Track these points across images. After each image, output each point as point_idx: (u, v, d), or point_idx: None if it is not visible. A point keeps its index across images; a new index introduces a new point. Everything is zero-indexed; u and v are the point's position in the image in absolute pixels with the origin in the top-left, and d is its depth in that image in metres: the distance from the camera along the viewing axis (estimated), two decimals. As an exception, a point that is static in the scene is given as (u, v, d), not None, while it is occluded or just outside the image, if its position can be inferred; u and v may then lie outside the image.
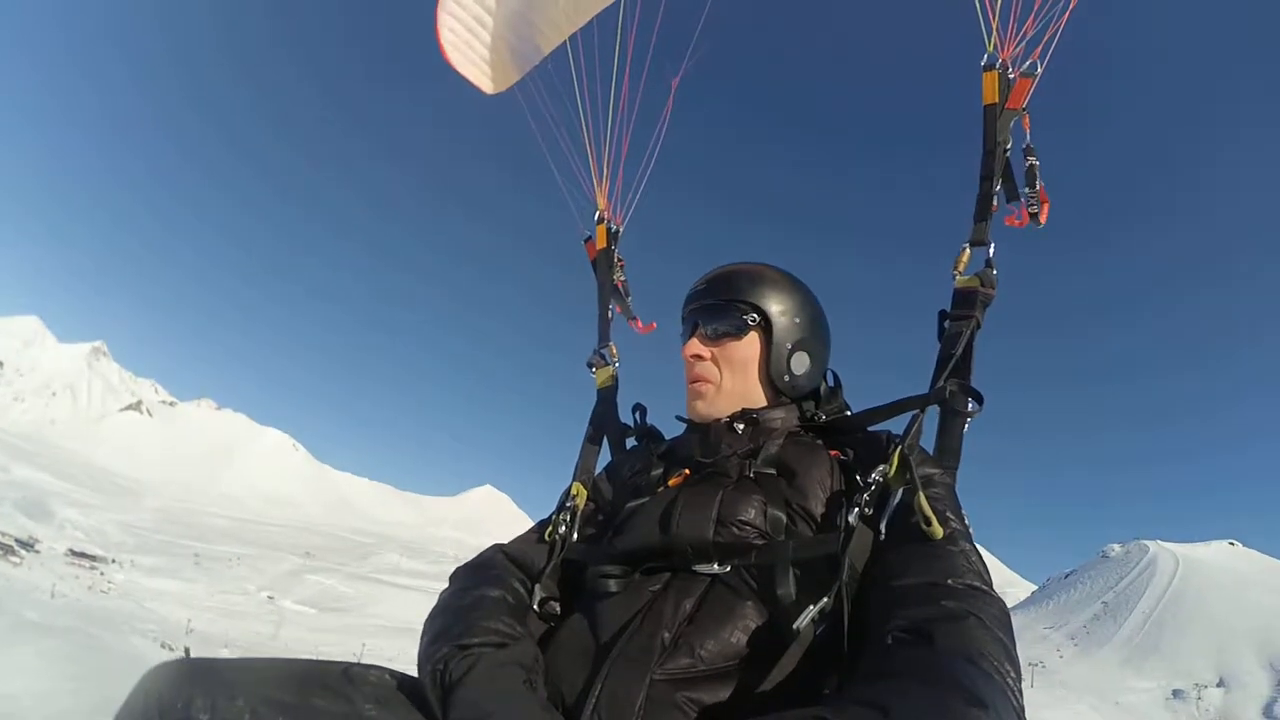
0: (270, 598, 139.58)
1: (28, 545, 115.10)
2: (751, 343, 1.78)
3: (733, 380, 1.78)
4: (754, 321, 1.77)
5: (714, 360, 1.79)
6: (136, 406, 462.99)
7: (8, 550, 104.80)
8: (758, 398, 1.79)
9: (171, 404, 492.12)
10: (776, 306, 1.78)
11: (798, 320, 1.79)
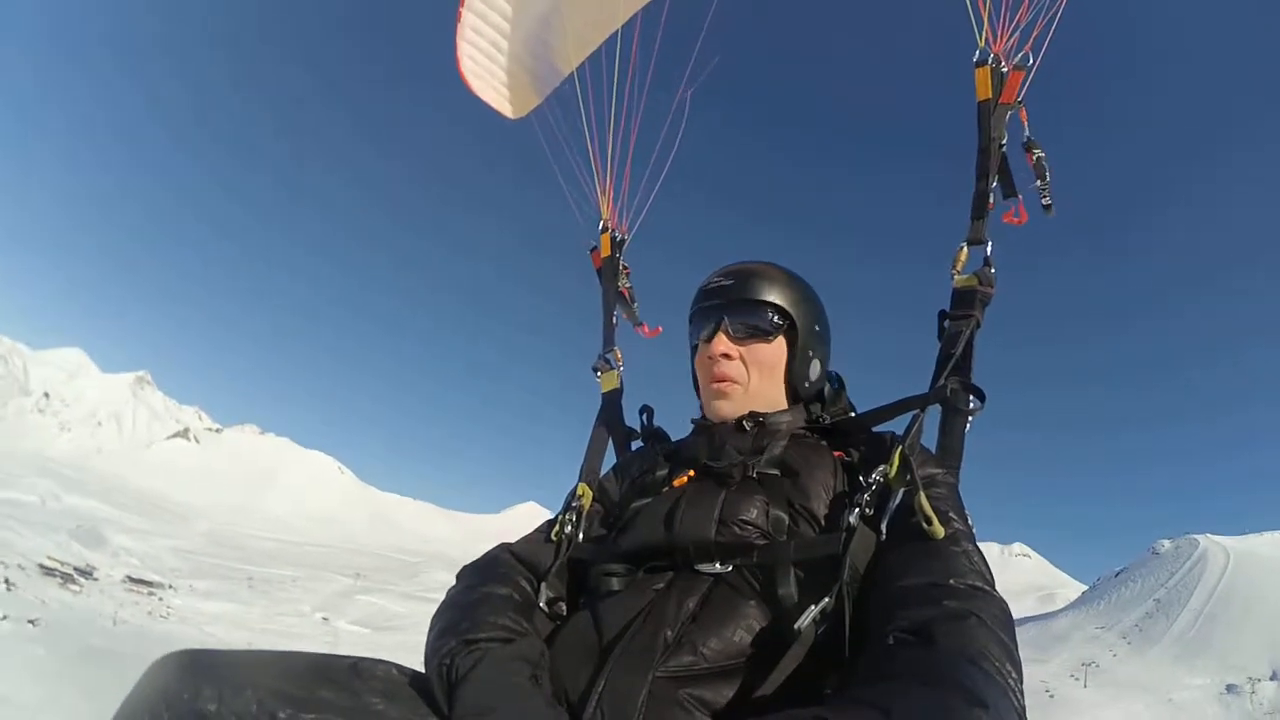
0: (325, 619, 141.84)
1: (86, 573, 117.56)
2: (779, 346, 1.79)
3: (760, 383, 1.79)
4: (781, 325, 1.78)
5: (742, 361, 1.79)
6: (184, 434, 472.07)
7: (67, 579, 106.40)
8: (779, 401, 1.81)
9: (217, 430, 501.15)
10: (800, 311, 1.79)
11: (817, 328, 1.82)
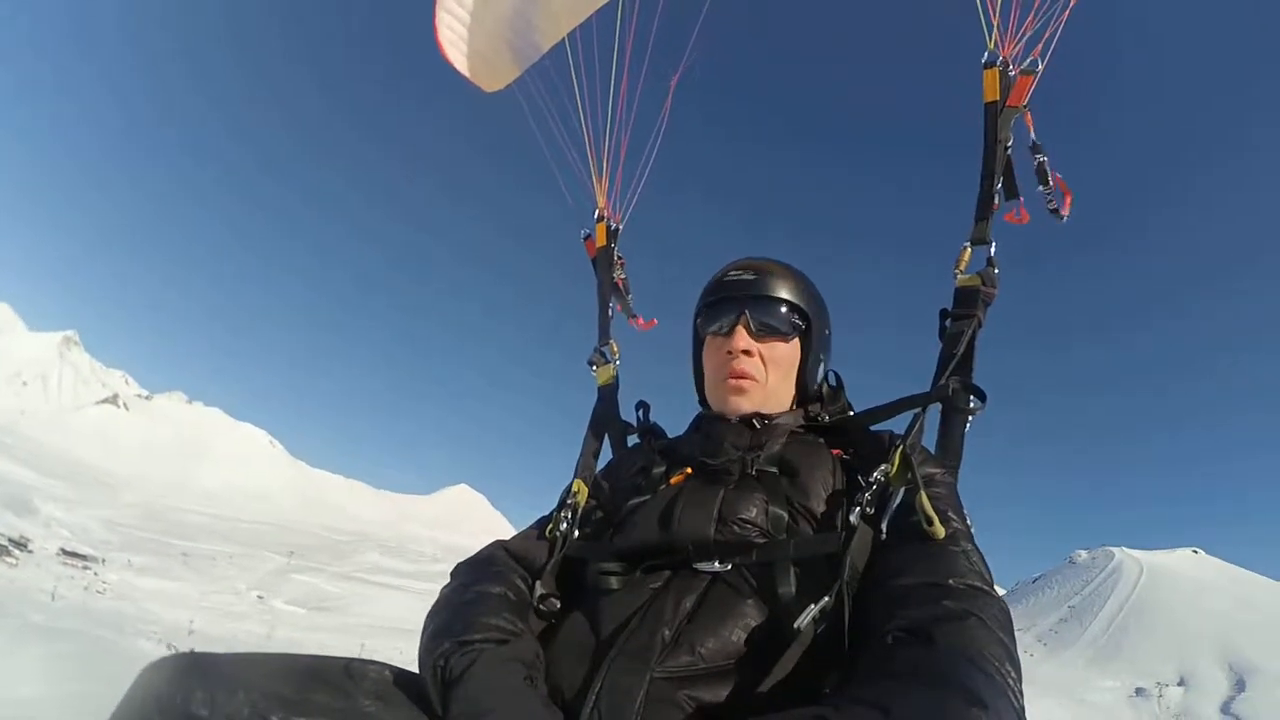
0: (260, 597, 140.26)
1: (21, 545, 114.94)
2: (795, 348, 1.80)
3: (776, 382, 1.79)
4: (800, 325, 1.80)
5: (760, 358, 1.78)
6: (113, 400, 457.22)
7: (3, 551, 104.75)
8: (787, 399, 1.82)
9: (147, 398, 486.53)
10: (816, 315, 1.81)
11: (827, 331, 1.84)
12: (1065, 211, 1.89)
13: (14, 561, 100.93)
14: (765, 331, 1.78)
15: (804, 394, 1.82)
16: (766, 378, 1.77)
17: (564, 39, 2.53)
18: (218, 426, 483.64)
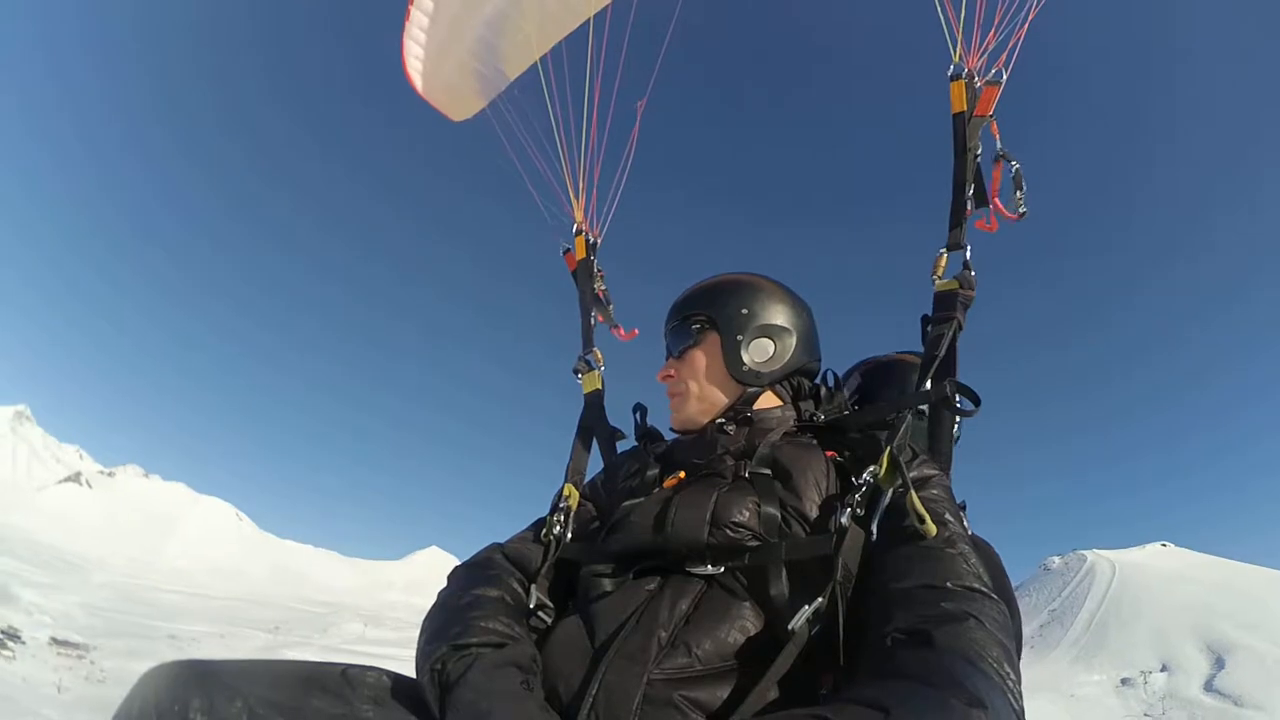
0: None
1: (13, 636, 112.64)
2: (707, 346, 1.85)
3: (698, 385, 1.84)
4: (703, 327, 1.85)
5: (680, 374, 1.87)
6: (75, 478, 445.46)
7: None
8: (721, 393, 1.84)
9: (110, 474, 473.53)
10: (724, 307, 1.84)
11: (745, 311, 1.83)
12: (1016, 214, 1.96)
13: (10, 655, 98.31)
14: (679, 349, 1.88)
15: (737, 377, 1.83)
16: (689, 386, 1.85)
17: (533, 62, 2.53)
18: (181, 501, 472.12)
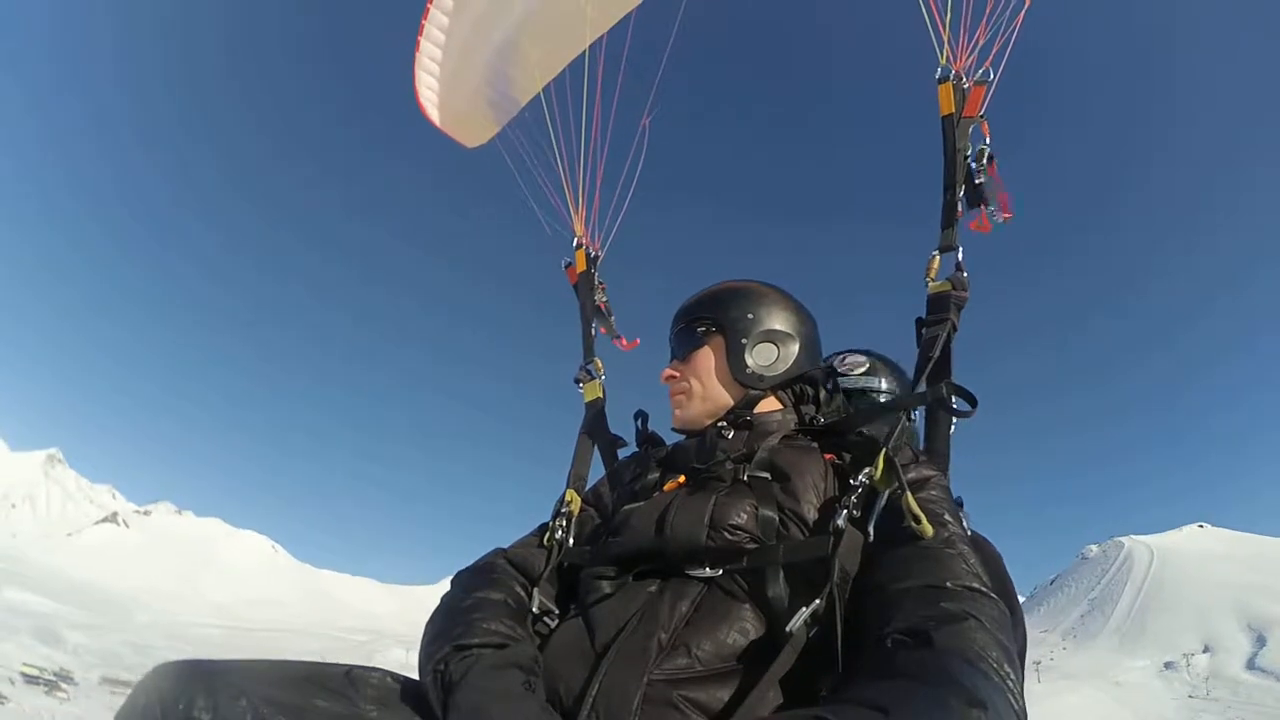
0: None
1: (66, 678, 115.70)
2: (712, 349, 1.87)
3: (701, 385, 1.86)
4: (708, 330, 1.88)
5: (684, 375, 1.89)
6: (112, 518, 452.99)
7: (52, 686, 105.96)
8: (725, 395, 1.86)
9: (145, 513, 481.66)
10: (729, 311, 1.87)
11: (751, 316, 1.85)
12: (1007, 215, 1.97)
13: (65, 696, 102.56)
14: (683, 351, 1.92)
15: (741, 380, 1.85)
16: (692, 386, 1.88)
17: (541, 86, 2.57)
18: (217, 536, 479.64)
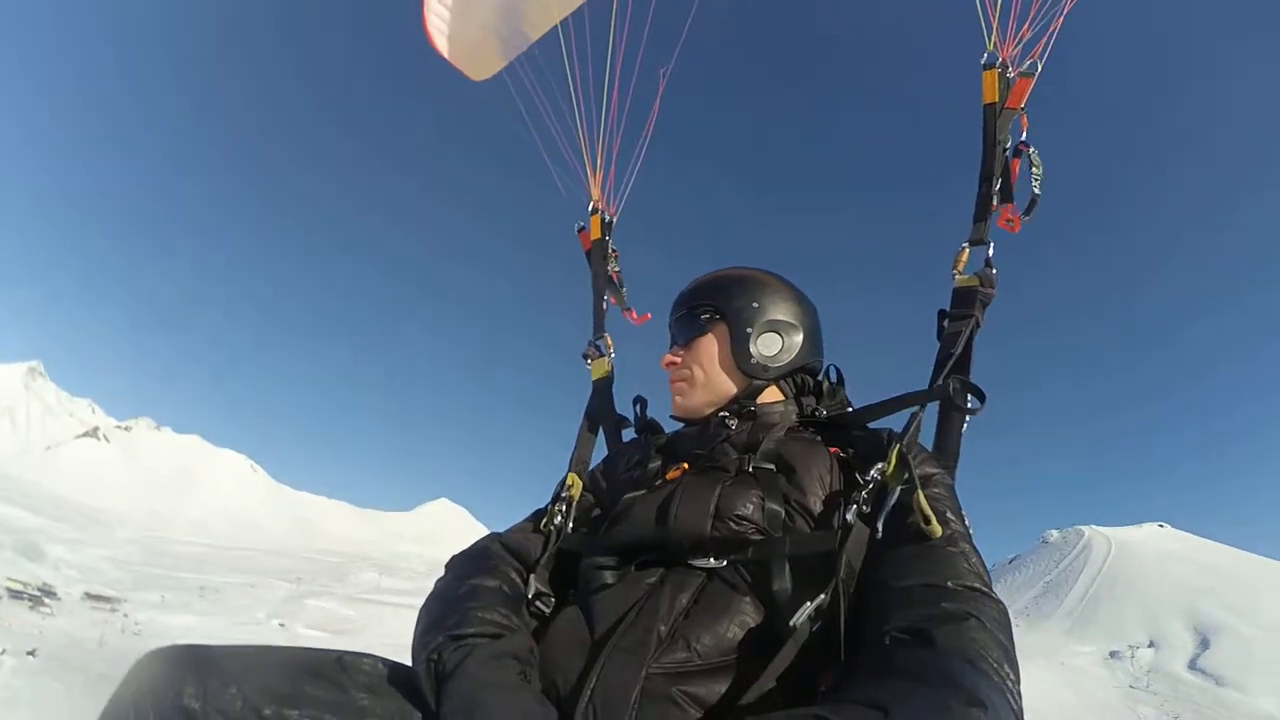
0: (282, 625, 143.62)
1: (49, 593, 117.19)
2: (715, 336, 1.83)
3: (703, 373, 1.83)
4: (712, 317, 1.84)
5: (685, 361, 1.85)
6: (93, 433, 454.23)
7: (36, 601, 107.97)
8: (729, 383, 1.83)
9: (126, 429, 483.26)
10: (733, 299, 1.83)
11: (756, 304, 1.82)
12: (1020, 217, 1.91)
13: (49, 611, 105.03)
14: (685, 337, 1.87)
15: (744, 369, 1.81)
16: (694, 373, 1.84)
17: (557, 29, 2.51)
18: (198, 455, 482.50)
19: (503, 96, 2.66)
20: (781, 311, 1.84)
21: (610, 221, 2.46)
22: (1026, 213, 1.90)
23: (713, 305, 1.85)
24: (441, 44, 2.69)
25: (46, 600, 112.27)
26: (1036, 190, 1.89)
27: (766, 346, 1.81)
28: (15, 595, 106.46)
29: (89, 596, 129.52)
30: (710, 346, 1.84)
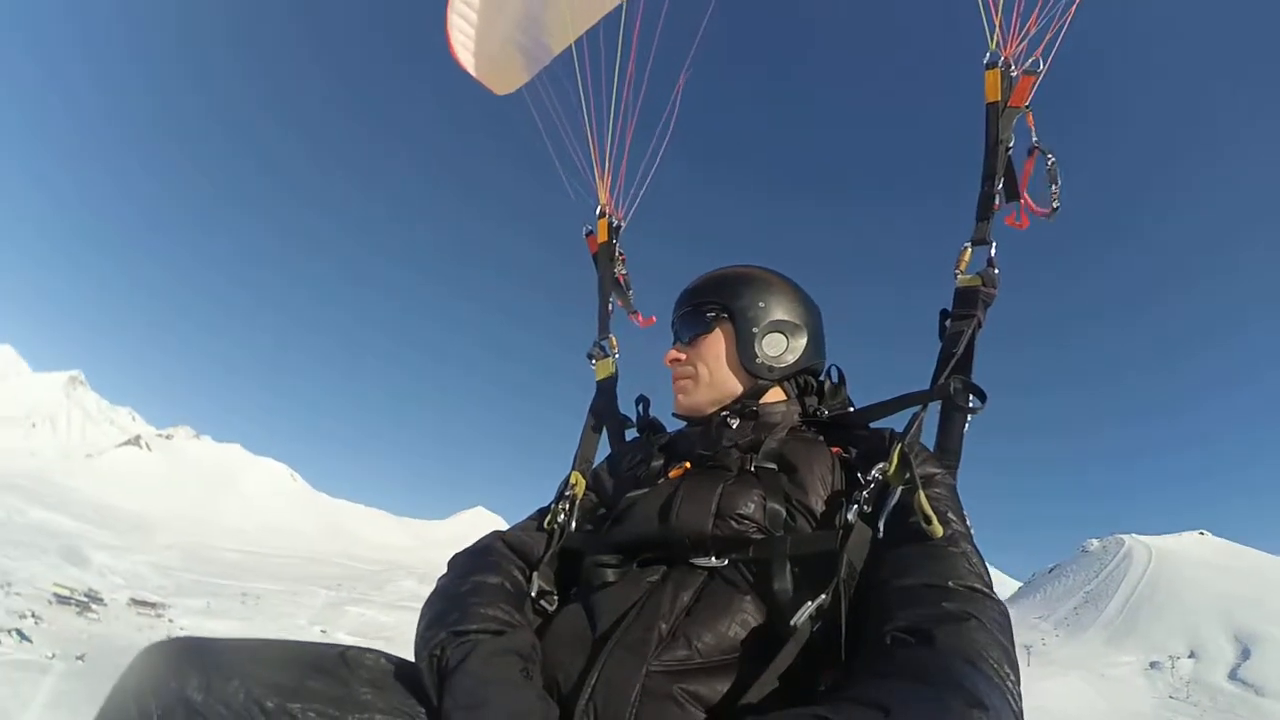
0: (323, 631, 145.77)
1: (95, 599, 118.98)
2: (721, 335, 1.83)
3: (708, 371, 1.82)
4: (718, 315, 1.83)
5: (690, 359, 1.85)
6: (135, 441, 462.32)
7: (83, 607, 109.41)
8: (734, 383, 1.82)
9: (167, 437, 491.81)
10: (739, 298, 1.82)
11: (762, 304, 1.82)
12: (1052, 209, 1.90)
13: (95, 616, 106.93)
14: (690, 335, 1.86)
15: (750, 369, 1.81)
16: (699, 371, 1.83)
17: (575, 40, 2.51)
18: (238, 462, 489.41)
19: (515, 100, 2.71)
20: (787, 312, 1.84)
21: (618, 226, 2.48)
22: (1049, 217, 1.89)
23: (719, 303, 1.84)
24: (467, 60, 2.70)
25: (93, 606, 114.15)
26: (1055, 205, 1.88)
27: (772, 347, 1.81)
28: (63, 600, 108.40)
29: (134, 602, 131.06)
30: (715, 345, 1.83)
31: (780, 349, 1.82)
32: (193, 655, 1.18)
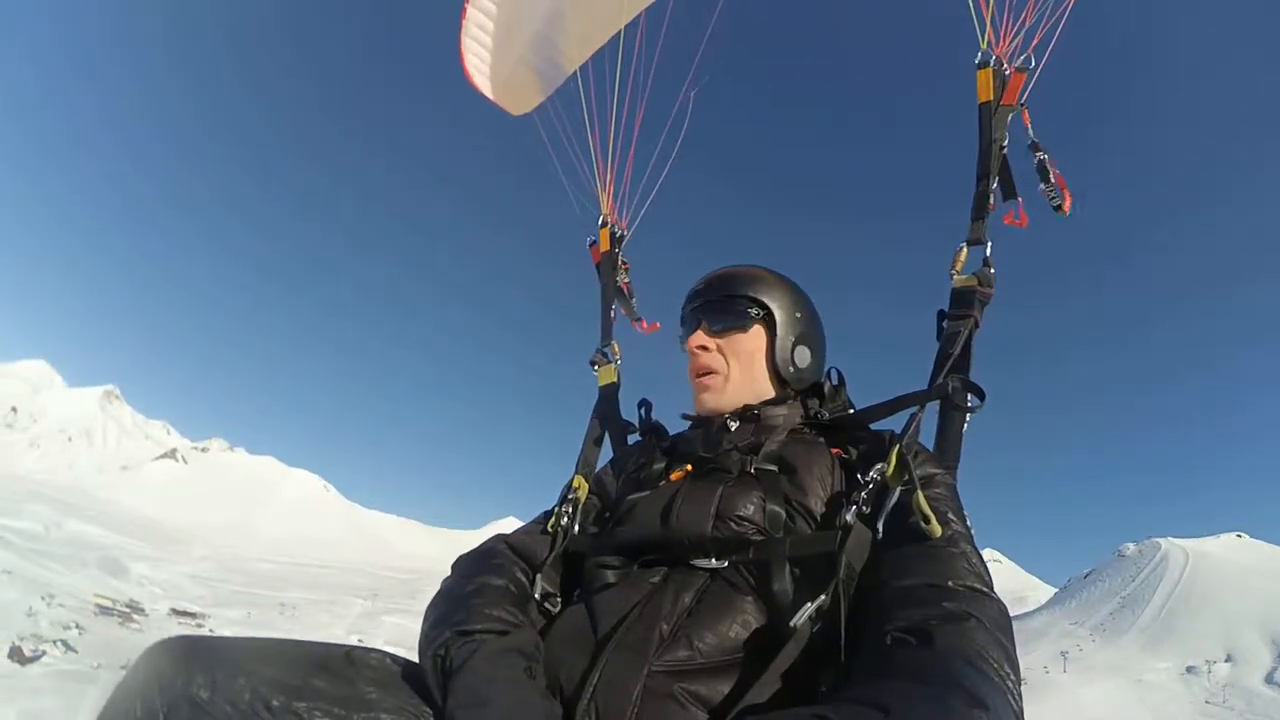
0: (360, 639, 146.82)
1: (137, 609, 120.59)
2: (756, 335, 1.81)
3: (740, 372, 1.80)
4: (757, 314, 1.81)
5: (720, 352, 1.82)
6: (171, 454, 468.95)
7: (125, 617, 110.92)
8: (764, 390, 1.82)
9: (203, 450, 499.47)
10: (775, 298, 1.82)
11: (798, 315, 1.83)
12: (1067, 208, 1.89)
13: (137, 627, 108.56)
14: (721, 325, 1.83)
15: (783, 379, 1.81)
16: (728, 369, 1.81)
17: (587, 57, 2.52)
18: (272, 474, 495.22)
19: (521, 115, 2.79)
20: (811, 324, 1.87)
21: (621, 235, 2.52)
22: (1060, 214, 1.91)
23: (758, 301, 1.82)
24: (483, 84, 2.75)
25: (135, 616, 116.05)
26: (1055, 202, 1.90)
27: (801, 358, 1.83)
28: (105, 611, 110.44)
29: (175, 612, 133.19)
30: (751, 344, 1.82)
31: (807, 361, 1.84)
32: (199, 653, 1.19)
